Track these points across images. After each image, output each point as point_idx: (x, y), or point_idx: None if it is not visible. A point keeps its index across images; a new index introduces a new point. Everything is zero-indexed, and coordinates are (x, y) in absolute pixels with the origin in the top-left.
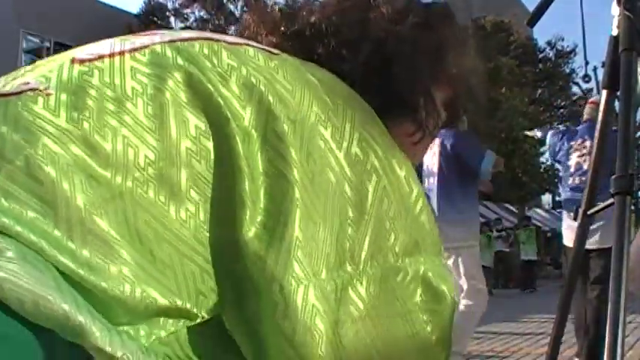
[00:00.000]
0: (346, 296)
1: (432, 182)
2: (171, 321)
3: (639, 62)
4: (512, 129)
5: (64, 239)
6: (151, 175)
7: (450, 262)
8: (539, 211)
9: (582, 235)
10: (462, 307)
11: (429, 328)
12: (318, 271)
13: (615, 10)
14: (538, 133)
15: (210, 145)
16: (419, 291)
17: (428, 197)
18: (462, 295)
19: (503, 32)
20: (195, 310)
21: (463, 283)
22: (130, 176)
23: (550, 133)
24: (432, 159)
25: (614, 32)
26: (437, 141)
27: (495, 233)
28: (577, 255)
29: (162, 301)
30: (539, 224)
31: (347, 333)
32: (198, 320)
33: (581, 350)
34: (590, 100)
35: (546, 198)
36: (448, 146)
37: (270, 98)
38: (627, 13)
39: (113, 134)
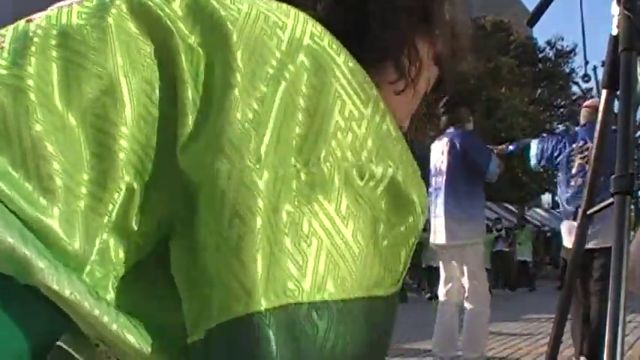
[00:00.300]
0: (289, 188)
1: (440, 181)
2: (122, 250)
3: (639, 62)
4: (512, 129)
5: (21, 179)
6: (100, 94)
7: (457, 259)
8: (538, 210)
9: (582, 235)
10: (468, 312)
11: (392, 242)
12: (254, 158)
13: (615, 9)
14: (510, 147)
15: (155, 65)
16: (385, 197)
17: (436, 196)
18: (465, 295)
19: (503, 32)
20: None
21: (465, 282)
22: (80, 101)
23: (535, 141)
24: (440, 157)
25: (614, 32)
26: (445, 140)
27: (495, 233)
28: (576, 255)
29: (108, 213)
30: (538, 224)
31: (288, 225)
32: (149, 248)
33: (578, 351)
34: (584, 105)
35: (546, 198)
36: (457, 145)
37: (215, 13)
38: (627, 12)
39: (59, 64)
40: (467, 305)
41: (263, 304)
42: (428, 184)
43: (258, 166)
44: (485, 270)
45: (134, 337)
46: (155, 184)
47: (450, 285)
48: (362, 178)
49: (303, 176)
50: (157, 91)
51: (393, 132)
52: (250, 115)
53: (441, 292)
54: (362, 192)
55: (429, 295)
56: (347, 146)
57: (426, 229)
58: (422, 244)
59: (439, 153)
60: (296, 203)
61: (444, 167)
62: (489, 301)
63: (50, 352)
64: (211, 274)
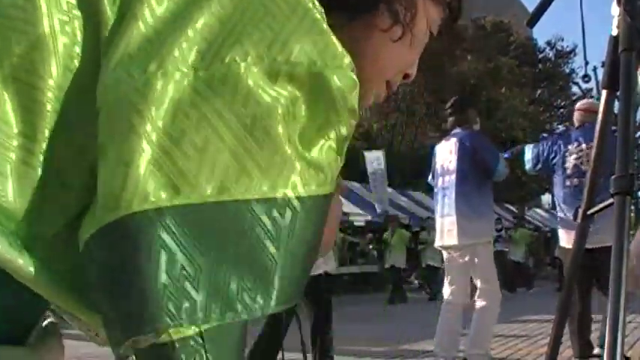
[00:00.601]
0: (182, 89)
1: (448, 180)
2: (52, 209)
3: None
4: (512, 129)
5: None
6: (29, 51)
7: (466, 259)
8: (538, 210)
9: (582, 235)
10: (479, 309)
11: (322, 147)
12: (139, 70)
13: (615, 10)
14: (505, 155)
15: (81, 16)
16: (308, 97)
17: (443, 195)
18: (477, 294)
19: (503, 32)
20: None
21: (477, 281)
22: (10, 60)
23: (530, 146)
24: (448, 157)
25: (614, 32)
26: (453, 140)
27: (495, 233)
28: (576, 255)
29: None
30: (538, 224)
31: (176, 127)
32: (74, 210)
33: (577, 352)
34: (577, 108)
35: (546, 198)
36: (466, 145)
37: None
38: (627, 13)
39: None
40: (478, 303)
41: (132, 209)
42: (429, 185)
43: (143, 77)
44: (495, 268)
45: (66, 296)
46: (82, 132)
47: (454, 285)
48: (276, 78)
49: (201, 74)
50: (83, 40)
51: (321, 26)
52: (147, 33)
53: (446, 291)
54: (274, 90)
55: (428, 296)
56: (260, 48)
57: (425, 228)
58: (426, 244)
59: (447, 153)
60: (190, 104)
61: (452, 167)
62: (500, 299)
63: (35, 327)
64: (96, 191)
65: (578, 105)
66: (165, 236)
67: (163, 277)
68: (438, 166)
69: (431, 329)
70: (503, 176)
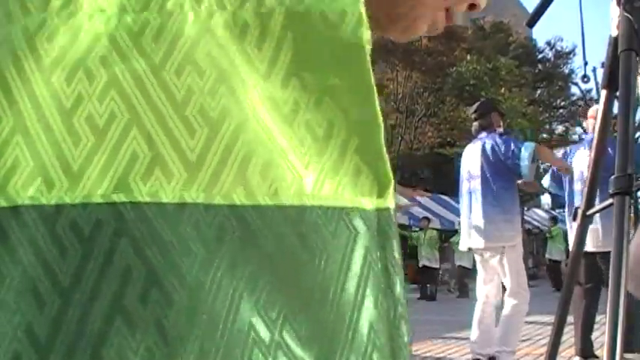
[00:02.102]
0: (73, 28)
1: (474, 184)
2: None
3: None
4: (512, 129)
5: None
6: None
7: (495, 261)
8: (538, 211)
9: (581, 236)
10: (508, 307)
11: None
12: None
13: (614, 10)
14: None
15: None
16: None
17: (470, 199)
18: (507, 294)
19: (503, 33)
20: None
21: (507, 282)
22: None
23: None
24: (474, 161)
25: (614, 33)
26: (478, 144)
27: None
28: (576, 256)
29: None
30: (537, 224)
31: None
32: None
33: (579, 350)
34: (589, 115)
35: (545, 198)
36: (489, 148)
37: None
38: (626, 13)
39: None
40: (508, 302)
41: None
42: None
43: (41, 15)
44: (524, 268)
45: None
46: None
47: (489, 285)
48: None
49: (129, 19)
50: None
51: None
52: None
53: (481, 292)
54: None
55: (418, 295)
56: None
57: (422, 228)
58: (420, 242)
59: (473, 157)
60: (100, 59)
61: (477, 171)
62: (528, 298)
63: None
64: None
65: (591, 112)
66: None
67: None
68: (464, 171)
69: (423, 328)
70: (530, 175)
